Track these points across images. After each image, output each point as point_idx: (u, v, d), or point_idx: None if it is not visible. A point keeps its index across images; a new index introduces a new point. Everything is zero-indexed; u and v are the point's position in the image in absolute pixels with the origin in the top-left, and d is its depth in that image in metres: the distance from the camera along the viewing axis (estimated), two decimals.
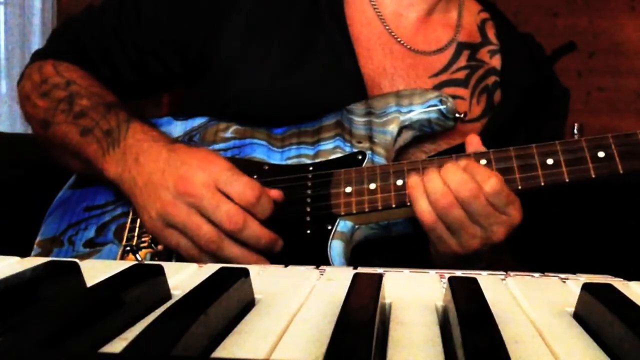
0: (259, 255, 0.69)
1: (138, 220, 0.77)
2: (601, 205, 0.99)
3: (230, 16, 0.86)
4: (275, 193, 0.71)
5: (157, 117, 0.88)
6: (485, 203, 0.66)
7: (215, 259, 0.68)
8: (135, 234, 0.75)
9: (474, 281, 0.36)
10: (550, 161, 0.70)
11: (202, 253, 0.68)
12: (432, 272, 0.42)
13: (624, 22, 3.03)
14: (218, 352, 0.29)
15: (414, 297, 0.38)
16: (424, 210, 0.68)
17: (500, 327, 0.29)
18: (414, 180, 0.69)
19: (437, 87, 0.88)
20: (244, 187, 0.67)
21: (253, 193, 0.67)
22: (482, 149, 0.74)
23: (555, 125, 0.97)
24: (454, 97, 0.86)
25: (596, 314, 0.33)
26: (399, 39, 0.89)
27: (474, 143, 0.75)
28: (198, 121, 0.85)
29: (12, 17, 2.36)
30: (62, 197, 0.85)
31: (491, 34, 0.96)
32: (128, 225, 0.76)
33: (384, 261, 0.63)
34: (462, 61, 0.91)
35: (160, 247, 0.73)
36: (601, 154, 0.69)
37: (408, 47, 0.89)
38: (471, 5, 0.98)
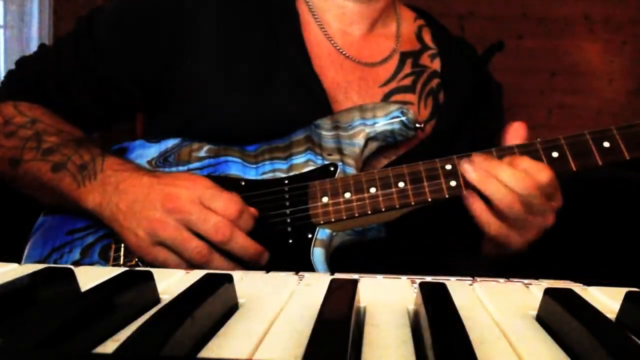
0: (246, 269, 0.71)
1: None
2: (589, 209, 1.00)
3: (190, 42, 0.86)
4: (254, 210, 0.73)
5: (129, 142, 0.86)
6: (540, 194, 0.71)
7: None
8: (121, 253, 0.75)
9: (442, 286, 0.39)
10: (555, 154, 0.75)
11: (191, 267, 0.69)
12: (404, 278, 0.44)
13: (582, 44, 3.19)
14: (203, 353, 0.31)
15: (387, 301, 0.39)
16: (481, 215, 0.73)
17: (467, 329, 0.31)
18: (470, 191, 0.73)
19: (388, 95, 0.91)
20: (227, 202, 0.70)
21: (236, 207, 0.70)
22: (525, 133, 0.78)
23: (497, 119, 1.00)
24: (404, 102, 0.90)
25: (557, 317, 0.35)
26: (346, 54, 0.92)
27: (519, 129, 0.78)
28: (171, 142, 0.85)
29: (12, 39, 2.42)
30: (40, 224, 0.84)
31: (428, 39, 1.00)
32: (113, 245, 0.76)
33: (360, 265, 0.65)
34: (407, 68, 0.94)
35: None
36: (606, 144, 0.74)
37: (356, 60, 0.92)
38: (407, 15, 1.02)
